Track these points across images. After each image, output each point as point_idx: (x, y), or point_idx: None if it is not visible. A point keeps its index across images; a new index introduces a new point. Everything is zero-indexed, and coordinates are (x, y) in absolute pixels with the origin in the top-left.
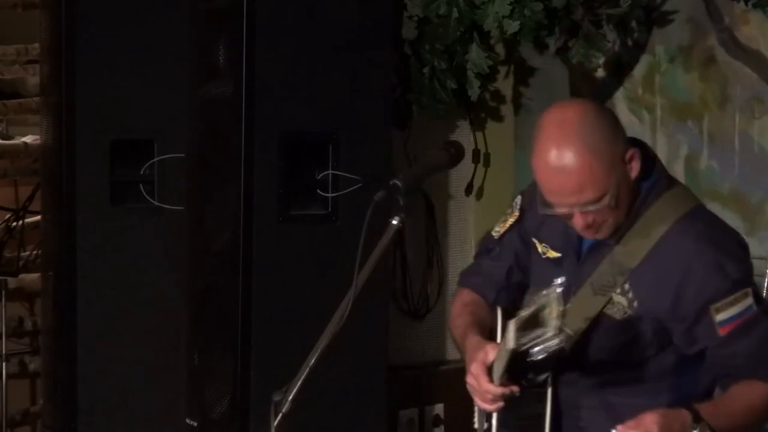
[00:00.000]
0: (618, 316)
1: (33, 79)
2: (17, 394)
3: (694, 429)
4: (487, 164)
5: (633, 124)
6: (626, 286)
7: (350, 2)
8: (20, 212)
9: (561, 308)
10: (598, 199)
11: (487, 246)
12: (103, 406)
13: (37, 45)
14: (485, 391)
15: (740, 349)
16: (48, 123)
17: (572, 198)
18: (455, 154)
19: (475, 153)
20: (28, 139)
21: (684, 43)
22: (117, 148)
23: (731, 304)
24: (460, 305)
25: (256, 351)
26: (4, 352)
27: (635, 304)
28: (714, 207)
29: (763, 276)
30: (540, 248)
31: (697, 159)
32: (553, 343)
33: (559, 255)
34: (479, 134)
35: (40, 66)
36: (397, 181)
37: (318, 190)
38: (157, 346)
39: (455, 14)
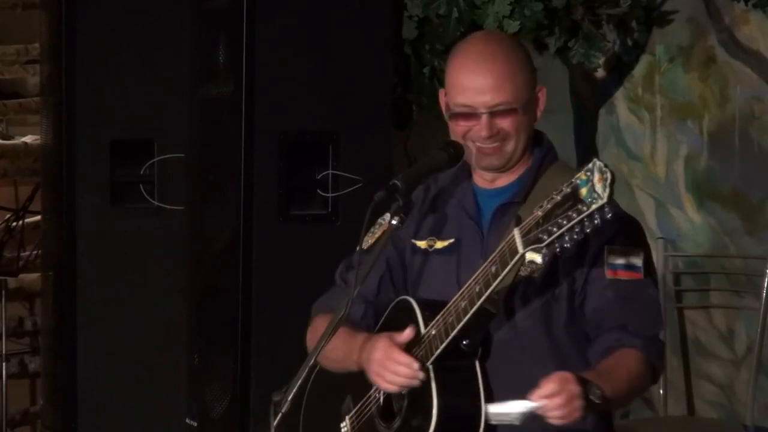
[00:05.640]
0: (536, 274)
1: (33, 79)
2: (17, 394)
3: (594, 392)
4: None
5: (633, 124)
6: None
7: (350, 2)
8: (20, 212)
9: (612, 176)
10: (510, 104)
11: (352, 262)
12: (103, 406)
13: (37, 45)
14: (401, 362)
15: (620, 302)
16: (48, 123)
17: (487, 96)
18: (455, 154)
19: None
20: (28, 139)
21: (684, 43)
22: (117, 148)
23: (623, 253)
24: (322, 325)
25: (256, 351)
26: (4, 352)
27: (546, 259)
28: (714, 207)
29: (763, 276)
30: (424, 245)
31: (697, 159)
32: (598, 217)
33: (451, 241)
34: None
35: (40, 66)
36: (397, 181)
37: (318, 190)
38: (157, 346)
39: (455, 14)
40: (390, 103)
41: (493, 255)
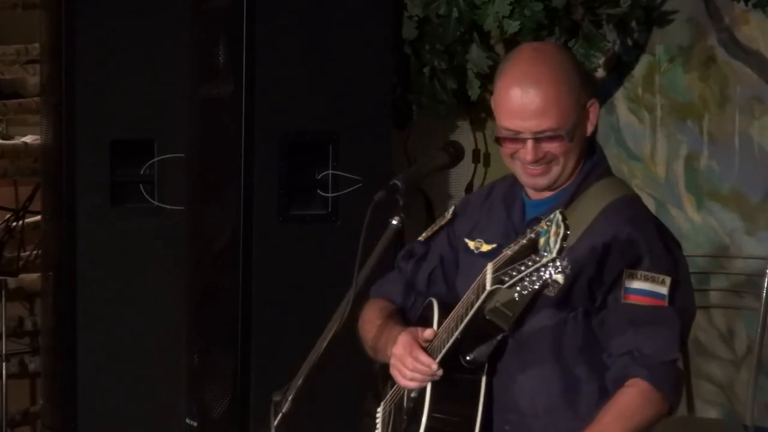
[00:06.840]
0: (552, 293)
1: (33, 79)
2: (17, 394)
3: None
4: (487, 164)
5: (633, 124)
6: (564, 263)
7: (350, 2)
8: (20, 212)
9: (565, 230)
10: (555, 130)
11: (411, 250)
12: (103, 406)
13: (37, 45)
14: (420, 361)
15: (632, 327)
16: (48, 123)
17: (532, 122)
18: (455, 154)
19: (475, 153)
20: (28, 139)
21: (684, 43)
22: (117, 148)
23: (645, 279)
24: (371, 312)
25: (256, 351)
26: (4, 352)
27: (569, 280)
28: (714, 207)
29: (763, 276)
30: (473, 245)
31: (697, 159)
32: (549, 271)
33: (494, 245)
34: (479, 134)
35: (40, 66)
36: (397, 181)
37: (318, 190)
38: (157, 346)
39: (455, 14)
40: (390, 103)
41: (474, 283)
